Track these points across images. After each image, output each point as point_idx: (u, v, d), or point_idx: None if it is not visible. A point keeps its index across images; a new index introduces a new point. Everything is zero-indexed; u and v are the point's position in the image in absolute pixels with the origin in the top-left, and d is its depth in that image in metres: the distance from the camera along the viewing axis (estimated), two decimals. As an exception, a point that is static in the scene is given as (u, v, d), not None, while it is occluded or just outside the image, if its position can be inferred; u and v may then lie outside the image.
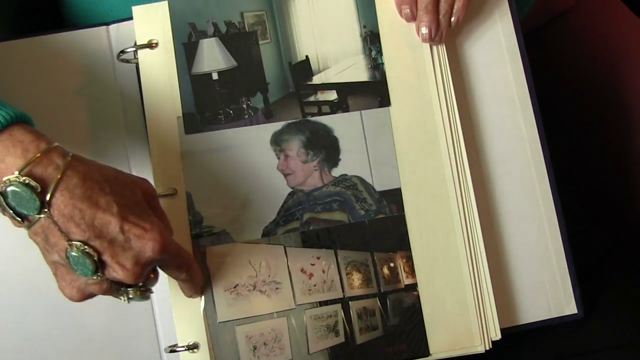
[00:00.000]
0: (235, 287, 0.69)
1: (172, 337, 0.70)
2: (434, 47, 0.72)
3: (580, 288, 0.72)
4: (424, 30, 0.70)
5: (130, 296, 0.60)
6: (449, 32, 0.71)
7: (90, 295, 0.59)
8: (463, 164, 0.71)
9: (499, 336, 0.70)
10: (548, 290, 0.72)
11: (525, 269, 0.73)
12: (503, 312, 0.71)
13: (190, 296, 0.67)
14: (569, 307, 0.72)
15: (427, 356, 0.69)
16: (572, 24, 0.97)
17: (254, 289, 0.69)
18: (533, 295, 0.72)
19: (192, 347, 0.68)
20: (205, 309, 0.68)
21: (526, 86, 0.74)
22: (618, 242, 0.79)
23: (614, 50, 0.93)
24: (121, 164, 0.72)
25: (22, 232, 0.69)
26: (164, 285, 0.69)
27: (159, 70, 0.70)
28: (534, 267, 0.73)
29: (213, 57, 0.71)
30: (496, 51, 0.74)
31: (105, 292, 0.59)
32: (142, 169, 0.71)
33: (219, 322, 0.68)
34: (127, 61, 0.72)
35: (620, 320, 0.73)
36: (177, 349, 0.68)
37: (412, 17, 0.70)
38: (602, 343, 0.72)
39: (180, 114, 0.70)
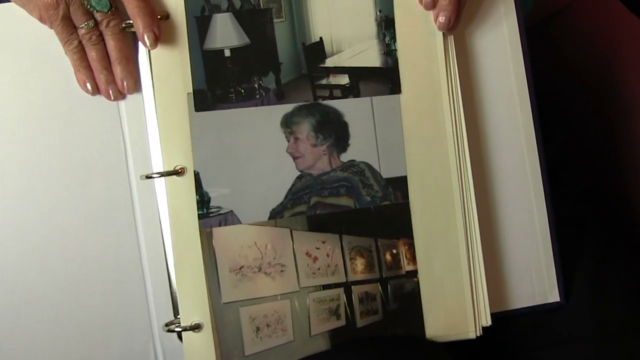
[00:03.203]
0: (240, 269, 0.69)
1: (164, 317, 0.69)
2: (447, 37, 0.72)
3: (564, 277, 0.76)
4: (443, 19, 0.70)
5: None
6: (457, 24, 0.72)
7: None
8: (465, 155, 0.72)
9: (489, 322, 0.73)
10: (534, 278, 0.76)
11: (515, 257, 0.76)
12: (492, 297, 0.74)
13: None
14: (552, 295, 0.76)
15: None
16: (568, 20, 0.98)
17: (259, 271, 0.69)
18: (520, 282, 0.76)
19: (195, 328, 0.68)
20: (210, 290, 0.68)
21: (525, 80, 0.76)
22: (617, 237, 0.82)
23: (611, 45, 0.95)
24: (116, 138, 0.69)
25: (19, 222, 0.68)
26: (160, 268, 0.69)
27: (170, 44, 0.67)
28: (523, 255, 0.76)
29: (226, 33, 0.68)
30: (500, 45, 0.75)
31: None
32: (137, 146, 0.69)
33: (224, 303, 0.68)
34: (132, 30, 0.68)
35: (602, 311, 0.77)
36: (177, 329, 0.68)
37: (433, 5, 0.70)
38: (579, 332, 0.76)
39: (191, 90, 0.68)
